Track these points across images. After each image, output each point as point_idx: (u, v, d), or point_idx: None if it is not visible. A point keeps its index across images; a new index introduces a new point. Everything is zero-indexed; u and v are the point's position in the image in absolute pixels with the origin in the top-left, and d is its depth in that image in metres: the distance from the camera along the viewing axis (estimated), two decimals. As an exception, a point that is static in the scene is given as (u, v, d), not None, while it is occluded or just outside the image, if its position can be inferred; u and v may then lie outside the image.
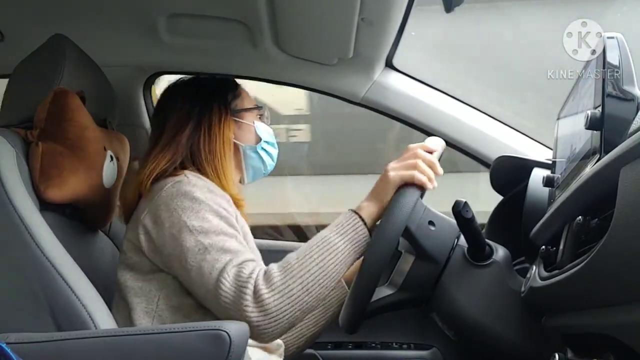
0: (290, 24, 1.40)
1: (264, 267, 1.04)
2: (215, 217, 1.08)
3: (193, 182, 1.11)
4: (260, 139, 1.28)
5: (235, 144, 1.25)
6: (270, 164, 1.31)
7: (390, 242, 1.00)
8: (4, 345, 0.70)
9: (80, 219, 1.24)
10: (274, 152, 1.32)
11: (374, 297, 1.07)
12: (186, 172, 1.14)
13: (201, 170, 1.18)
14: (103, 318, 1.00)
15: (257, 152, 1.28)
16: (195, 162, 1.19)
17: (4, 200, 1.01)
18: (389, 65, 1.58)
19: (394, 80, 1.58)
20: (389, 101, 1.57)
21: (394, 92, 1.57)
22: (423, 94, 1.58)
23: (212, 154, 1.19)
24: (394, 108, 1.57)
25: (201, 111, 1.22)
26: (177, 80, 1.32)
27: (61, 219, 1.16)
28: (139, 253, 1.11)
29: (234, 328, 0.87)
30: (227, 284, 1.00)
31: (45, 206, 1.10)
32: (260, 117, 1.31)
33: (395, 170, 1.06)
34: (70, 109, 1.15)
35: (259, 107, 1.32)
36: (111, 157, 1.26)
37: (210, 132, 1.21)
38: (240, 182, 1.31)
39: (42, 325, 0.95)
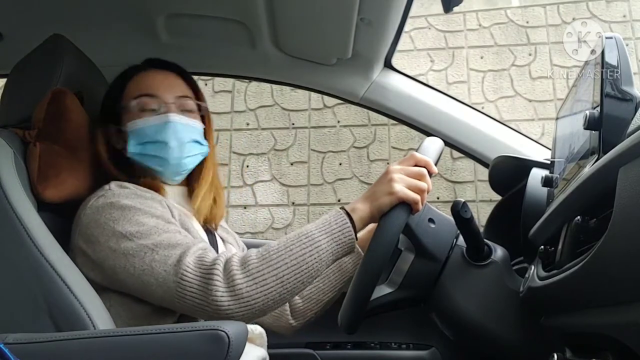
0: (289, 24, 1.40)
1: (228, 253, 1.01)
2: (152, 218, 1.05)
3: (117, 193, 1.08)
4: (135, 143, 1.16)
5: (122, 155, 1.19)
6: (170, 156, 1.16)
7: (391, 240, 1.00)
8: (1, 346, 0.70)
9: (78, 219, 1.24)
10: (162, 144, 1.15)
11: (373, 296, 1.06)
12: (111, 183, 1.12)
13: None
14: (101, 318, 1.00)
15: (142, 155, 1.17)
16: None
17: (1, 201, 1.01)
18: (388, 65, 1.57)
19: (392, 80, 1.58)
20: (388, 101, 1.57)
21: (392, 92, 1.57)
22: (422, 94, 1.58)
23: (107, 175, 1.16)
24: (393, 108, 1.57)
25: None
26: None
27: (59, 219, 1.16)
28: None
29: (233, 328, 0.86)
30: (189, 273, 0.97)
31: (43, 206, 1.10)
32: (142, 111, 1.17)
33: (402, 183, 1.02)
34: (68, 109, 1.15)
35: (135, 98, 1.18)
36: (109, 157, 1.25)
37: (100, 162, 1.19)
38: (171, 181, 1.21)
39: (41, 326, 0.94)
